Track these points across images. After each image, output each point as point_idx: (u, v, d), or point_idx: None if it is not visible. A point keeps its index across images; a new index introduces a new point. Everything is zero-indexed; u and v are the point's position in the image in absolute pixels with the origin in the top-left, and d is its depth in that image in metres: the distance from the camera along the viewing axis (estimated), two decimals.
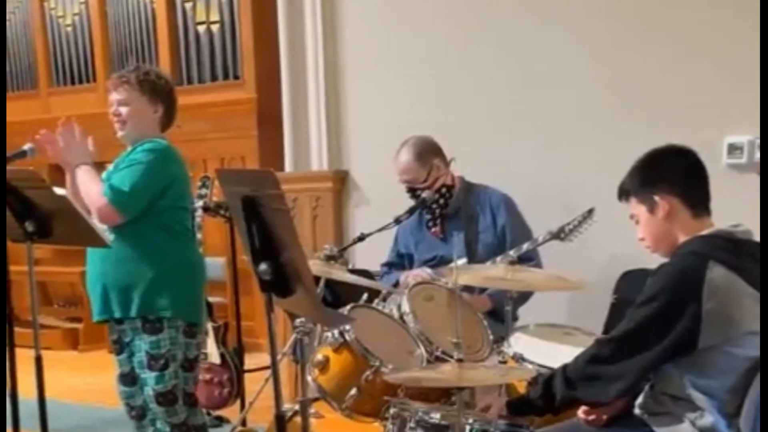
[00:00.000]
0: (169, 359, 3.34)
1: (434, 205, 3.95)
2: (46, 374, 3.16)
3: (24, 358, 3.43)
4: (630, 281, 3.95)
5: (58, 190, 3.16)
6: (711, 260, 2.38)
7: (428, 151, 3.93)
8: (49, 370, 3.20)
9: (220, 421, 4.62)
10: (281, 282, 2.29)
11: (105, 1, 7.34)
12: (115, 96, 3.45)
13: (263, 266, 2.27)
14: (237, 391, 4.39)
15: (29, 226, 3.07)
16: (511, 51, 4.50)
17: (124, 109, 3.43)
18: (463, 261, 3.78)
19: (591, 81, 4.27)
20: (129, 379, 3.47)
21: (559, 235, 3.70)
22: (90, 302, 3.51)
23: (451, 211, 3.96)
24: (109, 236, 3.28)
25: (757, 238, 2.53)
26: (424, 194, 3.90)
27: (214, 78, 6.84)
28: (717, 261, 2.38)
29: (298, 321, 2.76)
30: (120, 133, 3.47)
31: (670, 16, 4.03)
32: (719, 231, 2.49)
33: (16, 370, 3.20)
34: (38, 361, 3.13)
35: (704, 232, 2.49)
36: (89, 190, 3.32)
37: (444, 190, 3.94)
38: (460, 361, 2.50)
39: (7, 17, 7.92)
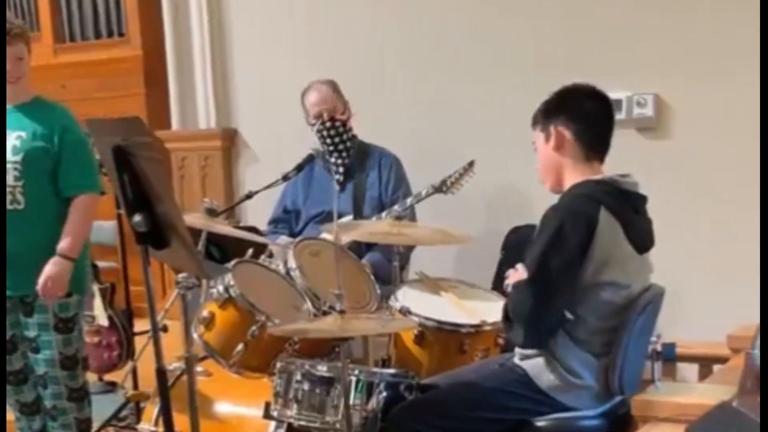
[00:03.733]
0: (75, 322, 3.32)
1: (342, 149, 3.96)
2: None
3: None
4: (517, 237, 4.03)
5: None
6: (602, 205, 2.45)
7: (340, 90, 4.02)
8: None
9: (113, 386, 4.53)
10: (156, 233, 2.26)
11: None
12: (11, 49, 3.21)
13: (137, 218, 2.23)
14: (126, 354, 4.31)
15: None
16: (399, 11, 4.50)
17: (21, 65, 3.24)
18: (348, 218, 3.81)
19: (474, 34, 4.29)
20: (9, 347, 3.36)
21: (441, 188, 3.77)
22: None
23: (349, 164, 3.99)
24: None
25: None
26: (311, 150, 3.90)
27: (98, 35, 6.62)
28: (606, 207, 2.45)
29: (179, 276, 2.71)
30: (12, 90, 3.26)
31: None
32: (610, 178, 2.55)
33: None
34: None
35: (596, 177, 2.55)
36: (81, 224, 3.27)
37: (351, 134, 3.99)
38: (342, 312, 2.50)
39: None
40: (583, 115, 2.60)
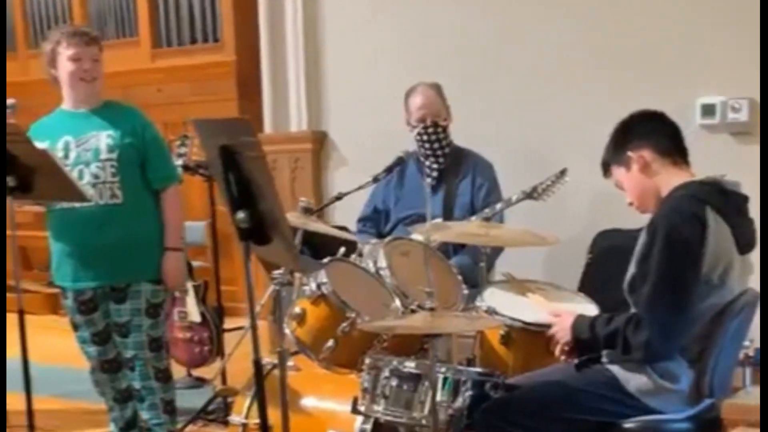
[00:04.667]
0: (161, 308, 3.51)
1: (439, 154, 4.00)
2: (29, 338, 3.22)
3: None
4: (605, 240, 4.02)
5: (39, 145, 3.17)
6: (708, 206, 2.44)
7: (444, 94, 4.04)
8: (32, 335, 3.24)
9: (201, 382, 4.64)
10: (259, 230, 2.34)
11: None
12: (86, 51, 3.40)
13: (241, 214, 2.32)
14: (217, 350, 4.43)
15: (11, 182, 3.09)
16: (488, 13, 4.54)
17: (97, 66, 3.44)
18: (438, 220, 3.85)
19: (568, 42, 4.32)
20: (104, 336, 3.52)
21: (532, 194, 3.78)
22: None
23: (443, 168, 4.02)
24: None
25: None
26: (402, 153, 3.94)
27: (193, 41, 6.82)
28: (712, 207, 2.45)
29: (275, 272, 2.80)
30: (87, 92, 3.45)
31: None
32: (713, 178, 2.55)
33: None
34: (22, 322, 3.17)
35: (697, 178, 2.55)
36: (174, 214, 3.51)
37: (449, 140, 4.03)
38: (431, 310, 2.55)
39: None
40: (646, 130, 2.63)
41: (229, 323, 4.73)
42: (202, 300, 4.51)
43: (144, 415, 3.55)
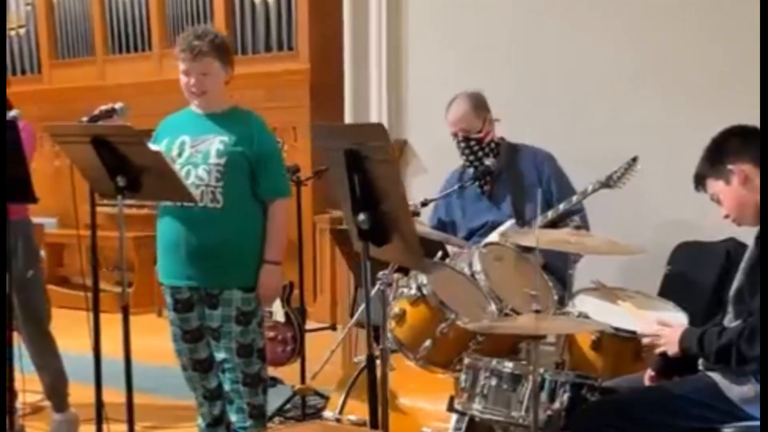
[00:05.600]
0: (254, 315, 3.54)
1: (475, 162, 4.05)
2: (103, 336, 3.36)
3: (78, 319, 3.63)
4: (685, 253, 4.10)
5: (152, 146, 3.31)
6: None
7: (482, 104, 4.08)
8: (105, 332, 3.39)
9: (275, 381, 4.74)
10: (379, 231, 2.46)
11: None
12: (193, 66, 3.44)
13: (362, 216, 2.44)
14: (299, 350, 4.57)
15: (120, 181, 3.20)
16: (560, 22, 4.65)
17: (205, 80, 3.46)
18: (511, 223, 3.92)
19: (635, 57, 4.42)
20: (196, 335, 3.59)
21: (608, 183, 3.76)
22: (165, 264, 3.58)
23: (498, 171, 4.05)
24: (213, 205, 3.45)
25: None
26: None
27: (268, 48, 7.01)
28: None
29: (380, 273, 2.93)
30: (196, 102, 3.53)
31: None
32: None
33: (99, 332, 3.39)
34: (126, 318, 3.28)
35: None
36: (279, 226, 3.55)
37: (493, 145, 4.07)
38: (537, 312, 2.66)
39: None
40: (746, 144, 2.70)
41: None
42: (286, 301, 4.65)
43: (231, 417, 3.60)
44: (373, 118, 5.24)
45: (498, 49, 4.86)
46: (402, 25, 5.18)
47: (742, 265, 2.66)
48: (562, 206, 3.81)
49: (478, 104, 4.08)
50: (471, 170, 4.09)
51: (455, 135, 4.08)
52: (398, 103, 5.21)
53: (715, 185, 2.74)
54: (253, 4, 7.01)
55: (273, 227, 3.51)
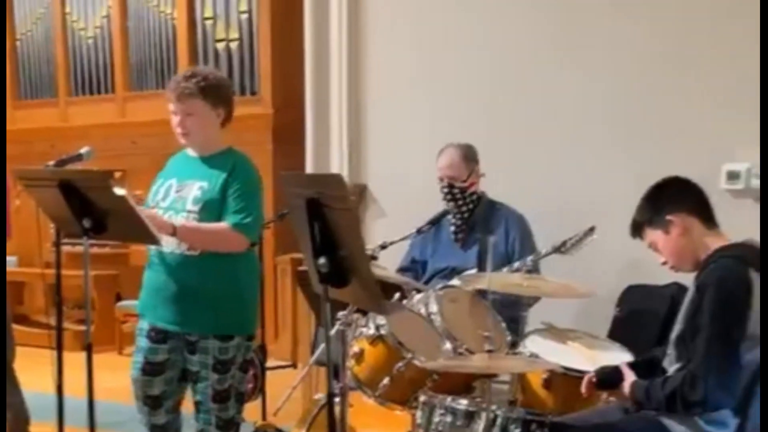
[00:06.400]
0: (232, 363, 3.48)
1: (465, 210, 4.26)
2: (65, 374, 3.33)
3: (38, 358, 3.64)
4: (633, 295, 4.27)
5: (118, 191, 3.37)
6: (750, 267, 2.65)
7: (472, 156, 4.33)
8: (66, 370, 3.37)
9: None
10: (338, 274, 2.58)
11: (126, 16, 7.63)
12: (177, 107, 3.41)
13: (321, 260, 2.55)
14: (260, 387, 4.64)
15: (86, 223, 3.24)
16: (527, 77, 4.84)
17: (189, 121, 3.41)
18: (473, 271, 4.09)
19: (601, 110, 4.61)
20: (156, 369, 3.52)
21: (560, 248, 4.02)
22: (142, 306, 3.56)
23: (473, 222, 4.27)
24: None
25: None
26: (444, 202, 4.21)
27: None
28: (754, 269, 2.65)
29: (340, 314, 3.04)
30: (183, 141, 3.51)
31: (676, 53, 4.37)
32: (750, 240, 2.77)
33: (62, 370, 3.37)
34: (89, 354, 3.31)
35: (737, 241, 2.77)
36: (208, 232, 3.38)
37: (475, 197, 4.28)
38: (489, 351, 2.79)
39: (29, 28, 8.22)
40: (685, 195, 2.83)
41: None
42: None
43: None
44: (334, 163, 5.39)
45: (457, 99, 5.05)
46: (363, 72, 5.34)
47: (683, 310, 2.79)
48: (516, 264, 4.02)
49: (469, 155, 4.31)
50: (450, 215, 4.30)
51: (441, 179, 4.28)
52: (359, 148, 5.38)
53: (654, 234, 2.84)
54: (216, 50, 7.14)
55: (213, 226, 3.35)
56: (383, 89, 5.33)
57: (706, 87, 4.29)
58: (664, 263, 2.88)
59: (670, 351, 2.84)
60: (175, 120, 3.45)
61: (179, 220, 3.36)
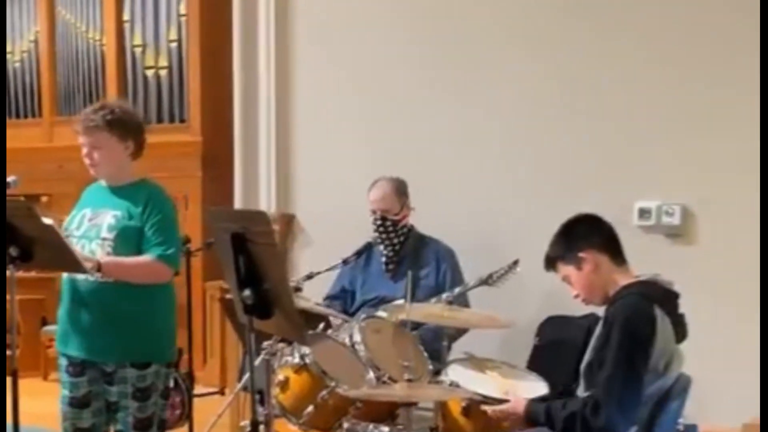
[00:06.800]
0: (152, 390, 3.49)
1: (396, 243, 4.37)
2: None
3: None
4: (552, 325, 4.42)
5: (46, 220, 3.39)
6: (655, 303, 2.82)
7: (404, 190, 4.47)
8: None
9: None
10: (262, 306, 2.66)
11: (54, 41, 7.59)
12: (85, 139, 3.46)
13: (246, 292, 2.63)
14: (187, 413, 4.67)
15: (13, 251, 3.26)
16: (452, 113, 4.96)
17: (96, 153, 3.46)
18: (401, 302, 4.19)
19: (522, 149, 4.78)
20: (83, 401, 3.52)
21: (487, 281, 4.17)
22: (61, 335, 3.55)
23: (403, 254, 4.39)
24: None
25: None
26: (370, 239, 4.32)
27: (160, 120, 7.14)
28: (659, 305, 2.83)
29: (265, 343, 3.11)
30: (92, 172, 3.54)
31: (589, 95, 4.55)
32: (654, 278, 2.93)
33: None
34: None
35: (642, 278, 2.93)
36: (133, 266, 3.39)
37: (406, 230, 4.40)
38: (410, 380, 2.89)
39: None
40: (596, 234, 3.00)
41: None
42: (176, 366, 4.74)
43: None
44: (263, 192, 5.46)
45: (385, 130, 5.16)
46: (291, 102, 5.43)
47: (592, 342, 2.95)
48: (445, 296, 4.13)
49: (400, 189, 4.45)
50: (381, 247, 4.41)
51: (374, 212, 4.40)
52: (287, 177, 5.45)
53: (566, 269, 3.00)
54: (145, 77, 7.15)
55: (138, 260, 3.38)
56: (312, 120, 5.41)
57: (619, 127, 4.48)
58: (576, 296, 3.03)
59: (581, 380, 2.98)
60: (83, 152, 3.49)
61: (103, 255, 3.37)
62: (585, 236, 2.99)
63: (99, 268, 3.32)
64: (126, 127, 3.50)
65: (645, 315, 2.80)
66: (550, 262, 3.04)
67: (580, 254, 2.95)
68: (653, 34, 4.36)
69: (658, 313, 2.82)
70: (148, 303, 3.47)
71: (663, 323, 2.82)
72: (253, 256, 2.61)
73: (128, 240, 3.42)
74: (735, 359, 4.10)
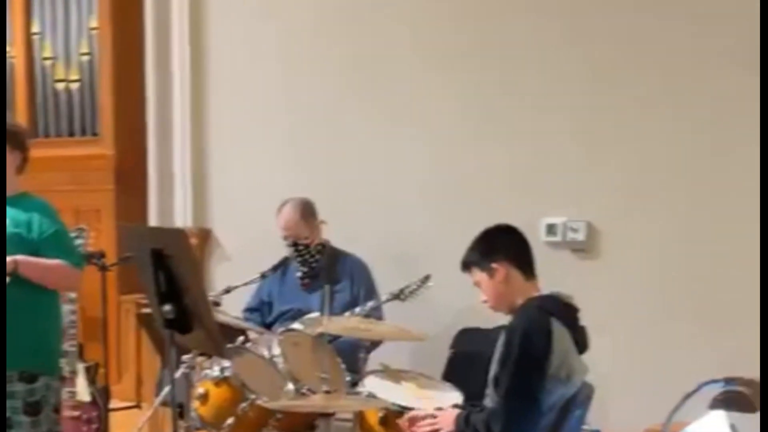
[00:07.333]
0: (43, 404, 3.45)
1: (311, 261, 4.46)
2: None
3: None
4: (465, 338, 4.56)
5: None
6: (552, 317, 2.98)
7: (310, 212, 4.54)
8: None
9: None
10: (183, 321, 2.72)
11: None
12: None
13: (167, 307, 2.69)
14: (103, 429, 4.64)
15: None
16: (361, 129, 5.05)
17: None
18: (316, 314, 4.28)
19: (430, 165, 4.90)
20: None
21: (399, 296, 4.29)
22: None
23: (318, 269, 4.48)
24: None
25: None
26: (290, 253, 4.38)
27: (71, 134, 7.04)
28: (557, 318, 2.99)
29: (185, 357, 3.16)
30: None
31: (499, 120, 4.70)
32: (554, 294, 3.10)
33: None
34: None
35: (543, 294, 3.09)
36: (50, 268, 3.40)
37: (320, 247, 4.50)
38: (328, 392, 2.97)
39: None
40: (513, 247, 3.16)
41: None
42: (92, 381, 4.71)
43: None
44: (178, 207, 5.46)
45: (296, 145, 5.22)
46: (205, 116, 5.46)
47: (496, 353, 3.09)
48: (358, 309, 4.24)
49: (306, 212, 4.52)
50: (296, 263, 4.50)
51: (285, 238, 4.47)
52: (202, 192, 5.47)
53: (479, 275, 3.15)
54: (55, 90, 7.05)
55: (52, 262, 3.38)
56: (227, 134, 5.44)
57: (528, 147, 4.63)
58: (485, 302, 3.18)
59: (489, 390, 3.13)
60: None
61: (18, 255, 3.35)
62: (502, 247, 3.13)
63: (15, 267, 3.31)
64: (13, 141, 3.49)
65: (541, 328, 2.96)
66: (466, 266, 3.18)
67: (494, 265, 3.10)
68: (559, 58, 4.54)
69: (556, 325, 2.99)
70: (33, 314, 3.44)
71: (560, 334, 2.98)
72: (173, 272, 2.68)
73: (13, 248, 3.37)
74: (635, 368, 4.28)
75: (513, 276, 3.11)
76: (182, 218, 5.46)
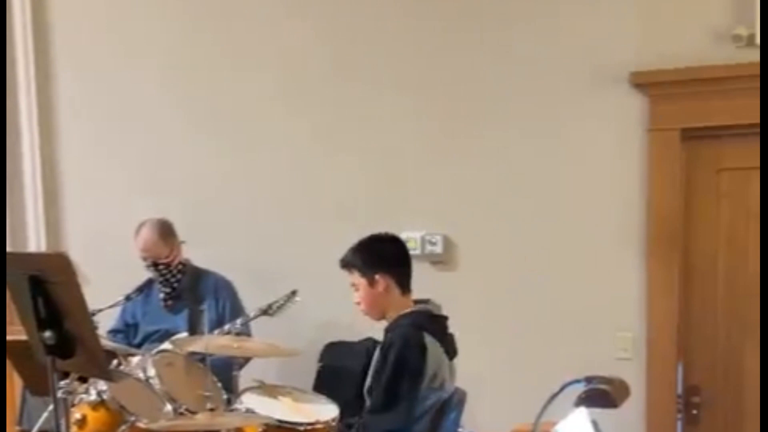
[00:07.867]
0: None
1: (173, 281, 4.46)
2: None
3: None
4: (332, 351, 4.68)
5: None
6: (424, 332, 3.16)
7: (169, 232, 4.53)
8: None
9: None
10: (64, 346, 2.71)
11: None
12: None
13: (48, 333, 2.69)
14: None
15: None
16: (218, 144, 5.09)
17: None
18: (184, 334, 4.30)
19: (291, 182, 4.98)
20: None
21: (267, 311, 4.33)
22: None
23: (181, 289, 4.50)
24: None
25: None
26: (151, 275, 4.39)
27: None
28: (428, 332, 3.18)
29: (62, 382, 3.12)
30: None
31: (359, 139, 4.84)
32: (425, 307, 3.28)
33: None
34: None
35: (415, 309, 3.27)
36: None
37: (180, 266, 4.50)
38: (211, 410, 3.03)
39: None
40: (396, 261, 3.33)
41: None
42: None
43: None
44: (31, 230, 5.33)
45: (152, 166, 5.22)
46: (55, 138, 5.38)
47: (372, 366, 3.25)
48: (227, 326, 4.28)
49: (165, 232, 4.51)
50: (159, 285, 4.50)
51: (145, 259, 4.46)
52: (56, 215, 5.37)
53: (359, 280, 3.31)
54: None
55: None
56: (76, 156, 5.37)
57: (385, 166, 4.79)
58: (358, 303, 3.32)
59: (367, 400, 3.27)
60: None
61: None
62: (386, 260, 3.29)
63: None
64: None
65: (416, 345, 3.14)
66: (347, 266, 3.30)
67: (377, 276, 3.25)
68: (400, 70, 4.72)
69: (429, 340, 3.17)
70: None
71: (433, 348, 3.18)
72: (52, 297, 2.68)
73: None
74: (498, 372, 4.52)
75: (392, 288, 3.27)
76: (36, 242, 5.34)
